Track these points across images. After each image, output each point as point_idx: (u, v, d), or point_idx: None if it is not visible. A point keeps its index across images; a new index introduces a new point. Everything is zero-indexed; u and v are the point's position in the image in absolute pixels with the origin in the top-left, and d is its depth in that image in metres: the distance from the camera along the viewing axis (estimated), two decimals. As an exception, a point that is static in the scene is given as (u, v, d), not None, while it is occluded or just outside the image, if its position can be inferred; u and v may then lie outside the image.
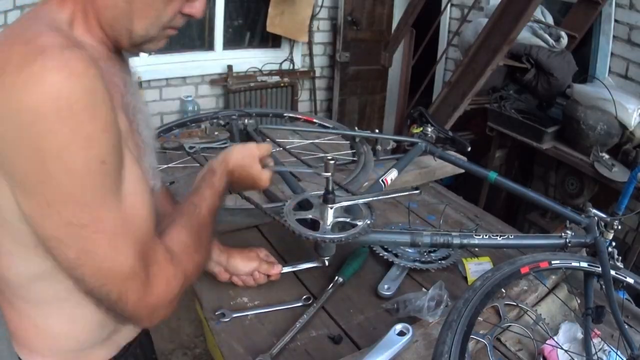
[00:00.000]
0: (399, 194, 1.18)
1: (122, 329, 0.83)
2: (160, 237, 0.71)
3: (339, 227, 1.02)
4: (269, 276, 1.07)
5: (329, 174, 0.96)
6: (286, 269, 1.11)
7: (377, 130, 1.86)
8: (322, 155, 1.75)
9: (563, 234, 1.14)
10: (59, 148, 0.55)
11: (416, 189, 1.11)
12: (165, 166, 1.51)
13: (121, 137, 0.62)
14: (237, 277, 1.06)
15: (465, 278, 1.18)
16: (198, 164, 1.49)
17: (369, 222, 1.01)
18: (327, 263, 1.10)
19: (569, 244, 1.13)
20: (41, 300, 0.71)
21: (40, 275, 0.68)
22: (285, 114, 1.82)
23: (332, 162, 0.94)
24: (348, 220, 1.03)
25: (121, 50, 0.73)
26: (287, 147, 1.65)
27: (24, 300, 0.72)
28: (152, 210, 0.69)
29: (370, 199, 1.07)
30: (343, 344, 0.97)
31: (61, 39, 0.58)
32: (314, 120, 1.79)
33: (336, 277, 1.11)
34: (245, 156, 0.89)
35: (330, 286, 1.09)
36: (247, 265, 1.05)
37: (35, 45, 0.56)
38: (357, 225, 1.01)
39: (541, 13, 2.94)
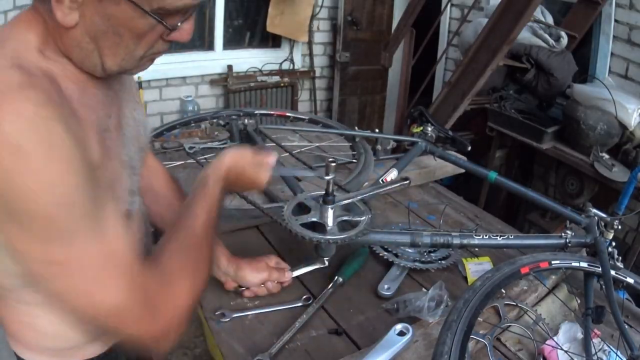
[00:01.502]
0: (391, 187, 1.20)
1: None
2: (155, 262, 0.68)
3: (340, 226, 1.02)
4: (281, 283, 1.07)
5: (331, 176, 0.96)
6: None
7: (377, 130, 1.86)
8: (322, 155, 1.75)
9: (563, 234, 1.14)
10: (16, 193, 0.54)
11: (406, 179, 1.16)
12: (167, 164, 1.51)
13: (93, 169, 0.61)
14: (248, 290, 1.05)
15: (465, 278, 1.18)
16: (198, 164, 1.49)
17: (369, 216, 1.02)
18: (327, 263, 1.10)
19: (569, 244, 1.13)
20: (31, 302, 0.71)
21: (26, 284, 0.68)
22: (256, 112, 1.82)
23: (332, 164, 0.94)
24: (348, 218, 1.03)
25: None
26: (286, 146, 1.65)
27: (16, 301, 0.72)
28: (132, 239, 0.66)
29: (367, 194, 1.07)
30: (343, 344, 0.97)
31: (17, 76, 0.56)
32: (287, 114, 1.80)
33: (336, 277, 1.11)
34: (239, 159, 0.85)
35: (330, 286, 1.09)
36: (257, 276, 1.04)
37: None
38: (358, 222, 1.01)
39: (541, 13, 2.94)
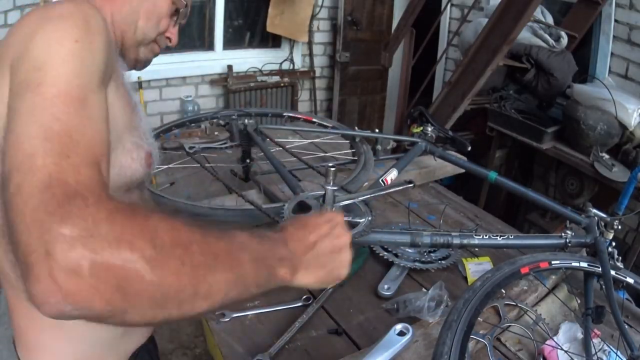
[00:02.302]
0: (395, 189, 1.19)
1: (131, 335, 0.82)
2: (150, 212, 0.49)
3: None
4: None
5: (333, 187, 0.95)
6: None
7: (377, 130, 1.86)
8: (322, 154, 1.75)
9: (563, 234, 1.14)
10: (44, 49, 0.56)
11: (410, 182, 1.15)
12: (166, 167, 1.51)
13: (107, 69, 0.63)
14: None
15: (465, 278, 1.18)
16: (198, 164, 1.49)
17: (370, 218, 1.01)
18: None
19: (569, 244, 1.13)
20: (45, 320, 0.70)
21: None
22: (284, 114, 1.82)
23: (332, 169, 0.93)
24: (349, 219, 1.03)
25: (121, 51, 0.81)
26: (287, 146, 1.65)
27: (30, 311, 0.71)
28: (107, 138, 0.56)
29: (368, 195, 1.07)
30: (343, 344, 0.97)
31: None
32: (313, 120, 1.79)
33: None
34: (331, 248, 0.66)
35: (330, 286, 1.09)
36: None
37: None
38: (358, 223, 1.01)
39: (541, 13, 2.94)
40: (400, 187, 1.16)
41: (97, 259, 0.41)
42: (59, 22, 0.59)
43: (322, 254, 0.65)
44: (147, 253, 0.44)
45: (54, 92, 0.53)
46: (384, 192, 1.14)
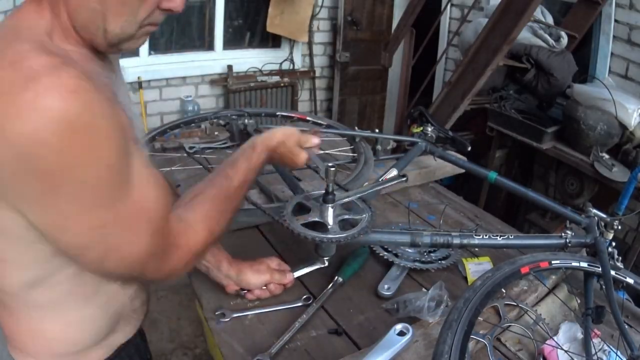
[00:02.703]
0: (390, 184, 1.27)
1: (118, 330, 0.83)
2: (183, 206, 0.78)
3: (341, 225, 1.02)
4: (283, 285, 1.07)
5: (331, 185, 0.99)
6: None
7: (377, 130, 1.86)
8: (322, 153, 1.75)
9: (563, 234, 1.14)
10: (66, 167, 0.56)
11: (403, 176, 1.21)
12: (168, 169, 1.51)
13: (126, 129, 0.63)
14: (251, 292, 1.05)
15: (465, 278, 1.18)
16: (199, 165, 1.49)
17: (370, 214, 1.03)
18: (327, 263, 1.10)
19: (569, 244, 1.13)
20: (37, 305, 0.72)
21: (35, 282, 0.69)
22: (277, 113, 1.81)
23: (332, 169, 0.97)
24: (349, 217, 1.03)
25: (99, 50, 0.70)
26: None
27: (19, 305, 0.72)
28: (163, 187, 0.71)
29: (366, 192, 1.08)
30: (343, 344, 0.97)
31: (47, 57, 0.56)
32: (308, 119, 1.79)
33: (336, 277, 1.11)
34: (289, 136, 0.92)
35: (330, 286, 1.09)
36: (259, 278, 1.04)
37: (23, 69, 0.54)
38: (359, 220, 1.01)
39: (541, 13, 2.94)
40: (395, 182, 1.22)
41: (199, 251, 0.79)
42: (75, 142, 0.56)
43: (284, 151, 0.93)
44: (216, 230, 0.81)
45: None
46: (380, 187, 1.16)
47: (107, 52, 0.71)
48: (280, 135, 0.92)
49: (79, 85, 0.56)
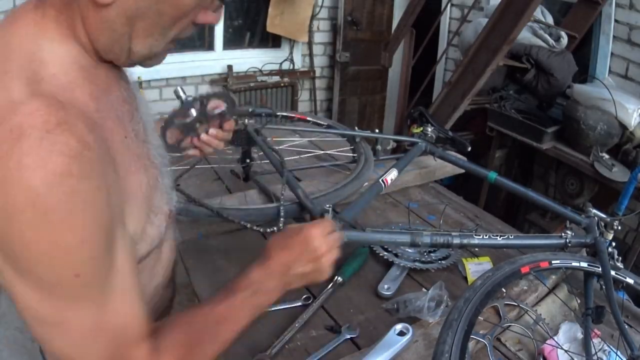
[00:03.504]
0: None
1: None
2: (157, 334, 0.61)
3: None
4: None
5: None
6: None
7: (377, 130, 1.86)
8: (321, 152, 1.75)
9: (563, 234, 1.14)
10: (30, 254, 0.49)
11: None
12: (168, 169, 1.50)
13: (112, 229, 0.55)
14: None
15: (465, 278, 1.18)
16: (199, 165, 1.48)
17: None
18: None
19: (569, 244, 1.13)
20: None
21: None
22: (277, 114, 1.81)
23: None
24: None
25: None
26: (288, 145, 1.65)
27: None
28: (143, 306, 0.60)
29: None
30: (343, 343, 0.97)
31: (43, 113, 0.48)
32: (308, 119, 1.79)
33: (336, 277, 1.11)
34: (305, 261, 0.76)
35: (330, 286, 1.09)
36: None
37: (10, 126, 0.47)
38: None
39: (541, 13, 2.94)
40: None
41: None
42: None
43: (303, 272, 0.76)
44: None
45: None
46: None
47: (124, 67, 0.65)
48: (293, 263, 0.75)
49: (66, 170, 0.48)
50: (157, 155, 0.69)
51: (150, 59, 0.63)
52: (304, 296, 1.07)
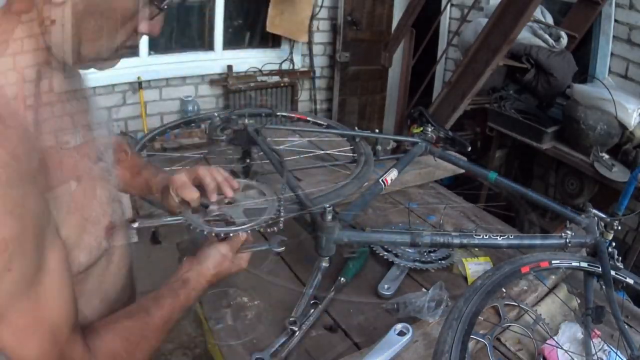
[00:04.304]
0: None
1: None
2: (90, 336, 0.66)
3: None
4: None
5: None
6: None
7: (377, 130, 1.86)
8: (321, 152, 1.75)
9: (563, 234, 1.14)
10: None
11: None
12: (168, 169, 1.51)
13: (42, 232, 0.58)
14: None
15: (465, 278, 1.18)
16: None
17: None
18: (280, 249, 0.94)
19: (569, 244, 1.13)
20: None
21: None
22: (277, 114, 1.81)
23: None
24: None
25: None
26: (288, 145, 1.65)
27: None
28: (74, 302, 0.64)
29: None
30: (343, 344, 0.97)
31: None
32: (308, 119, 1.79)
33: (339, 278, 1.11)
34: (221, 262, 0.83)
35: (333, 288, 1.09)
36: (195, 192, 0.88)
37: None
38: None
39: (541, 13, 2.94)
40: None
41: None
42: None
43: (223, 276, 0.84)
44: None
45: None
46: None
47: (75, 68, 0.68)
48: (213, 266, 0.82)
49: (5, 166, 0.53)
50: (96, 169, 0.72)
51: (101, 61, 0.66)
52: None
